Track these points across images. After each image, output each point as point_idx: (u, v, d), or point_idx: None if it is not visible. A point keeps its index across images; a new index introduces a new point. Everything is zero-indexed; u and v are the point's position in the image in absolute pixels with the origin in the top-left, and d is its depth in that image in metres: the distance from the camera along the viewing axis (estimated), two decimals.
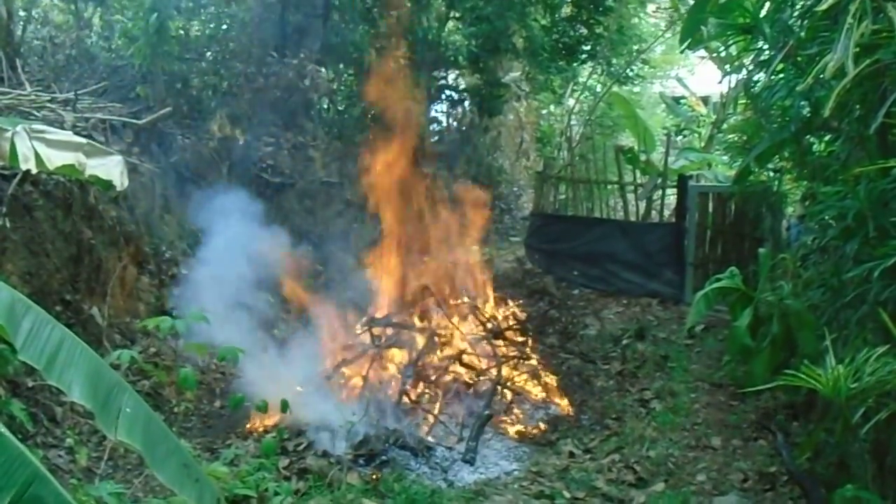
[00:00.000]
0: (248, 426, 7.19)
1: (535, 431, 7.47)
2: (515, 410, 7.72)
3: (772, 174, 9.16)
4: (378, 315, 8.81)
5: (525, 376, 8.33)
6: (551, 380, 8.31)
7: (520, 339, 9.01)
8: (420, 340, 8.36)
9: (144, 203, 8.53)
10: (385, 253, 9.21)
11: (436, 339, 8.43)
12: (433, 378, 7.97)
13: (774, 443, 6.48)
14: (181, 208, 9.02)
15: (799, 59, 5.57)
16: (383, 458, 6.56)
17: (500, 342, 8.76)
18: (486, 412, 7.44)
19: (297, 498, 5.94)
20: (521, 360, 8.58)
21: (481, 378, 8.09)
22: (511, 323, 9.30)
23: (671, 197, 11.15)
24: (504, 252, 13.12)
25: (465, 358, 8.32)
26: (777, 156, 7.82)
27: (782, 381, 4.29)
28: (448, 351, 8.38)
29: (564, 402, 7.97)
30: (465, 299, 9.17)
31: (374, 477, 6.27)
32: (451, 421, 7.47)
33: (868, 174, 4.73)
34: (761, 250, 7.50)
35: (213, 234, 8.96)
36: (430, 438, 7.07)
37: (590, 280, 11.00)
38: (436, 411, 7.51)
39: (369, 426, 6.93)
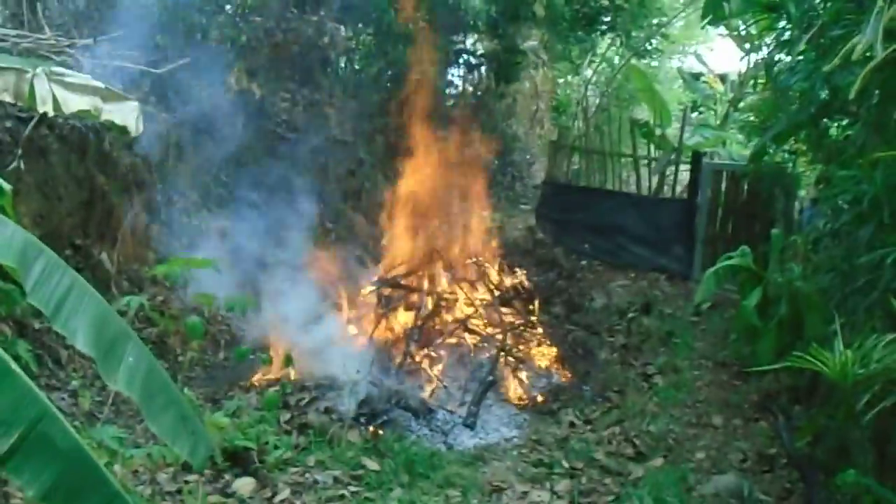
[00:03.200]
0: (251, 379, 7.17)
1: (536, 400, 7.42)
2: (518, 378, 7.64)
3: (787, 155, 9.09)
4: (386, 275, 8.76)
5: (529, 345, 8.27)
6: (555, 350, 8.26)
7: (526, 307, 8.94)
8: (427, 303, 8.33)
9: (158, 151, 8.42)
10: (396, 214, 9.13)
11: (442, 302, 8.38)
12: (438, 341, 7.92)
13: (775, 425, 6.44)
14: (195, 159, 8.96)
15: (822, 41, 5.48)
16: (385, 417, 6.54)
17: (507, 310, 8.69)
18: (489, 378, 7.41)
19: (296, 452, 5.95)
20: (527, 329, 8.51)
21: (486, 344, 8.03)
22: (518, 291, 9.19)
23: (684, 173, 11.06)
24: (514, 220, 13.01)
25: (471, 323, 8.26)
26: (793, 137, 7.73)
27: (788, 362, 4.26)
28: (454, 315, 8.32)
29: (567, 373, 7.93)
30: (474, 265, 9.08)
31: (374, 435, 6.26)
32: (454, 385, 7.41)
33: (885, 160, 4.65)
34: (774, 231, 7.42)
35: (225, 186, 8.92)
36: (432, 401, 7.04)
37: (599, 252, 10.96)
38: (439, 374, 7.48)
39: (372, 386, 6.90)
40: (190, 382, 7.01)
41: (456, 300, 8.57)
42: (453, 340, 8.03)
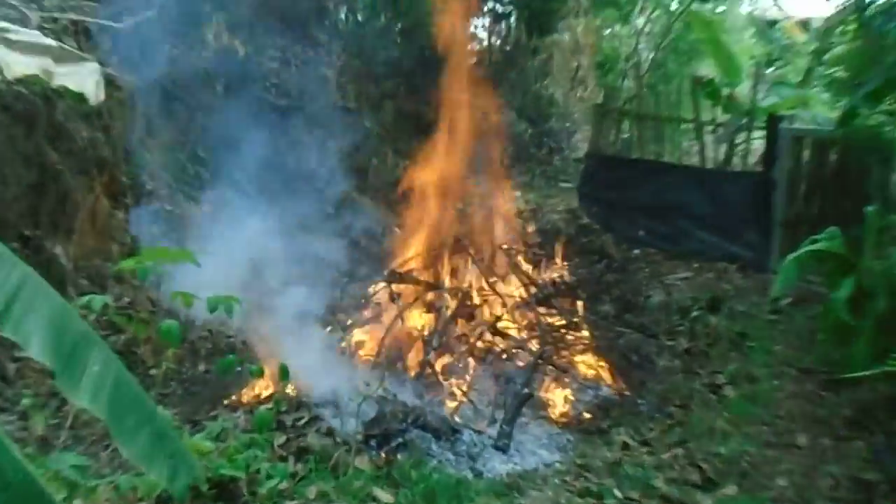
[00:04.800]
0: (238, 395, 7.20)
1: (582, 416, 7.38)
2: (560, 390, 7.64)
3: (883, 117, 9.00)
4: (399, 269, 8.76)
5: (573, 351, 8.26)
6: (604, 356, 8.24)
7: (569, 306, 8.95)
8: (449, 302, 8.36)
9: (123, 124, 8.42)
10: (409, 195, 9.13)
11: (467, 301, 8.40)
12: (463, 348, 7.93)
13: (873, 444, 6.35)
14: (167, 132, 8.96)
15: None
16: (399, 440, 6.48)
17: (545, 309, 8.71)
18: (525, 391, 7.38)
19: (294, 482, 5.92)
20: (570, 332, 8.50)
21: (520, 351, 8.03)
22: (559, 287, 9.18)
23: (758, 141, 11.00)
24: (553, 201, 13.02)
25: (502, 326, 8.26)
26: (891, 95, 7.65)
27: (888, 367, 4.22)
28: (481, 317, 8.34)
29: (619, 384, 7.91)
30: (505, 256, 9.11)
31: (387, 460, 6.21)
32: (482, 399, 7.39)
33: None
34: (868, 209, 7.34)
35: (204, 164, 8.92)
36: (456, 419, 7.01)
37: (656, 238, 10.97)
38: (464, 387, 7.46)
39: (384, 401, 6.85)
40: (165, 400, 7.03)
41: (484, 298, 8.57)
42: (481, 346, 8.01)
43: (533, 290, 8.90)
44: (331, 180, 10.21)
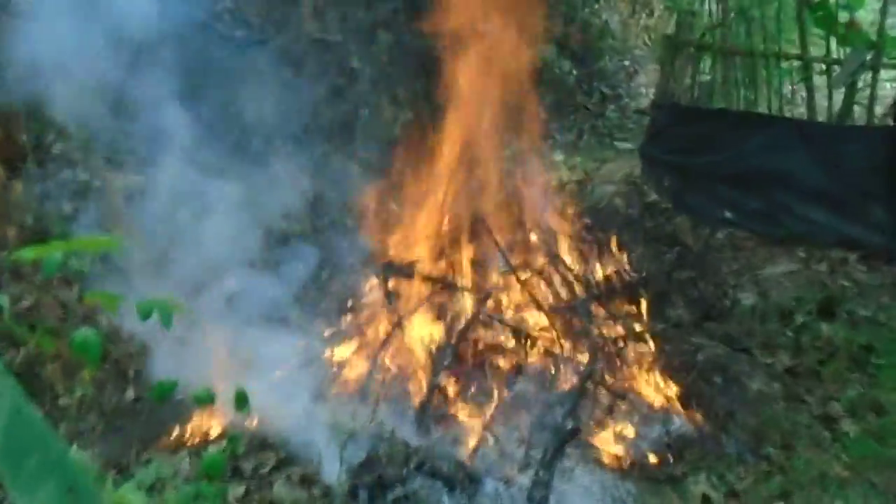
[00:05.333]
0: (180, 431, 7.20)
1: (646, 459, 7.28)
2: (616, 424, 7.53)
3: None
4: (398, 261, 8.65)
5: (634, 371, 8.15)
6: (677, 377, 8.14)
7: (629, 310, 8.84)
8: (466, 305, 8.22)
9: (22, 65, 8.43)
10: (411, 159, 9.01)
11: (489, 304, 8.26)
12: (484, 367, 7.82)
13: None
14: (82, 76, 8.97)
15: None
16: (399, 490, 6.46)
17: (597, 314, 8.55)
18: (570, 424, 7.25)
19: None
20: (630, 345, 8.36)
21: (562, 370, 7.87)
22: (614, 285, 9.06)
23: (889, 85, 10.96)
24: (607, 167, 12.95)
25: (538, 337, 8.11)
26: None
27: None
28: (509, 325, 8.17)
29: (696, 415, 7.80)
30: (542, 243, 8.93)
31: None
32: (511, 437, 7.30)
33: None
34: None
35: (131, 119, 8.93)
36: (475, 463, 6.92)
37: (746, 218, 10.87)
38: (487, 420, 7.37)
39: (378, 439, 6.84)
40: (80, 438, 7.03)
41: (513, 301, 8.47)
42: (508, 366, 7.90)
43: (580, 289, 8.70)
44: (305, 140, 10.10)
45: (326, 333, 8.19)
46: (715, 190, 11.20)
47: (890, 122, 10.66)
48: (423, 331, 8.16)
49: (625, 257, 9.51)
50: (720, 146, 11.27)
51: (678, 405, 7.95)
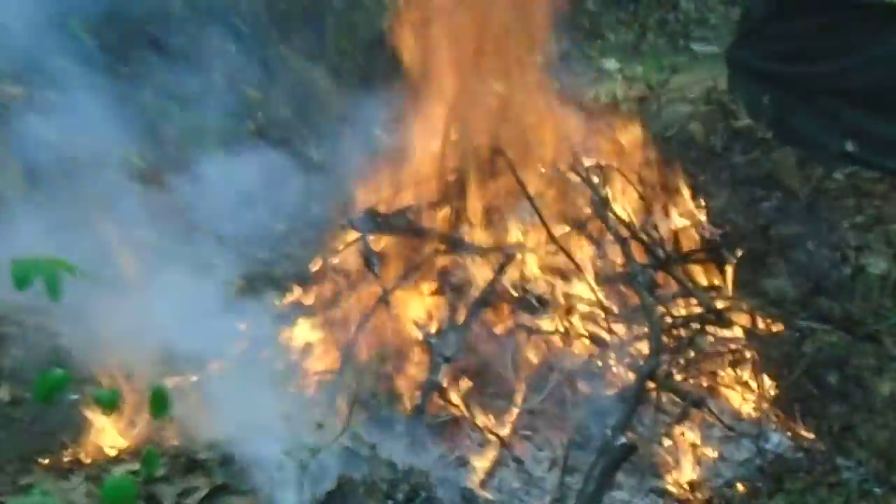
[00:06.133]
0: (73, 446, 6.90)
1: (733, 488, 6.85)
2: (688, 436, 7.11)
3: None
4: (383, 209, 8.20)
5: (715, 363, 7.71)
6: (775, 374, 7.62)
7: (707, 281, 8.39)
8: (477, 272, 7.92)
9: None
10: (402, 66, 8.43)
11: (511, 270, 7.92)
12: (502, 359, 7.46)
13: None
14: None
15: None
16: None
17: (663, 287, 8.15)
18: (622, 440, 6.73)
19: None
20: (708, 329, 7.94)
21: (613, 364, 7.48)
22: (685, 246, 8.69)
23: None
24: (680, 79, 12.56)
25: (577, 318, 7.71)
26: None
27: None
28: (539, 299, 7.79)
29: (801, 427, 7.28)
30: (587, 186, 8.49)
31: None
32: (540, 456, 7.00)
33: None
34: None
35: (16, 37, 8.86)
36: (488, 490, 6.68)
37: (876, 151, 10.40)
38: (505, 432, 6.96)
39: (353, 458, 6.55)
40: None
41: (544, 267, 8.08)
42: (536, 357, 7.54)
43: (639, 250, 8.24)
44: (253, 42, 10.05)
45: (282, 307, 7.91)
46: (833, 111, 10.67)
47: None
48: (418, 307, 7.77)
49: (703, 207, 9.07)
50: (847, 48, 10.59)
51: (776, 414, 7.50)
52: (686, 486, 6.93)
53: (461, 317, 7.54)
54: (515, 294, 7.88)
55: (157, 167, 8.83)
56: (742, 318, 8.13)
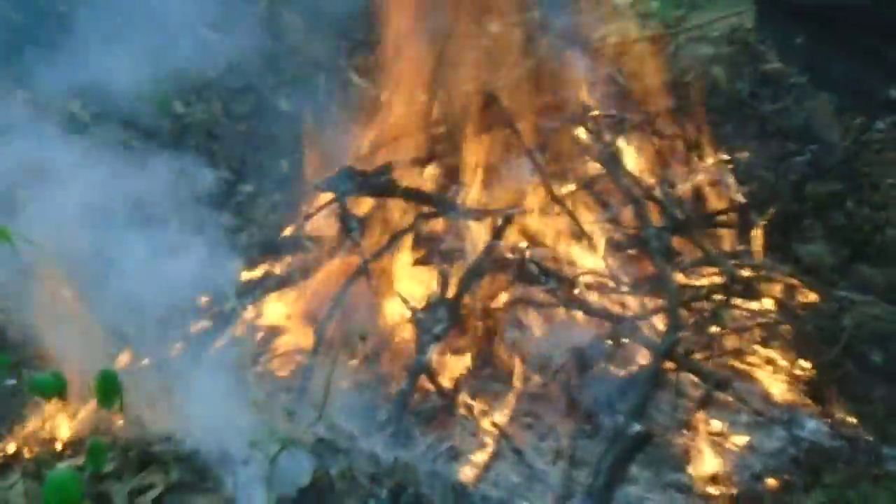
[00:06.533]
0: (11, 437, 7.03)
1: (762, 481, 6.98)
2: (712, 427, 7.21)
3: None
4: (363, 166, 8.19)
5: (742, 339, 7.77)
6: (810, 352, 7.71)
7: (733, 245, 8.44)
8: (471, 237, 7.96)
9: None
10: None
11: (510, 235, 7.97)
12: (500, 336, 7.63)
13: None
14: None
15: None
16: None
17: (682, 253, 8.22)
18: (636, 427, 6.84)
19: None
20: (734, 300, 7.96)
21: (626, 341, 7.54)
22: (707, 207, 8.79)
23: None
24: (700, 15, 12.93)
25: (584, 285, 7.80)
26: None
27: None
28: (541, 267, 7.90)
29: (841, 412, 7.45)
30: (595, 139, 8.64)
31: None
32: (543, 446, 7.19)
33: None
34: None
35: None
36: (483, 485, 6.81)
37: None
38: (503, 420, 7.13)
39: (329, 451, 6.57)
40: None
41: (547, 230, 8.15)
42: (538, 333, 7.70)
43: (655, 212, 8.29)
44: None
45: (247, 279, 8.04)
46: (878, 51, 11.18)
47: None
48: (404, 279, 7.93)
49: (727, 162, 9.16)
50: None
51: (812, 398, 7.63)
52: (709, 479, 7.01)
53: (452, 289, 7.55)
54: (514, 262, 7.84)
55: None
56: (772, 289, 8.13)
